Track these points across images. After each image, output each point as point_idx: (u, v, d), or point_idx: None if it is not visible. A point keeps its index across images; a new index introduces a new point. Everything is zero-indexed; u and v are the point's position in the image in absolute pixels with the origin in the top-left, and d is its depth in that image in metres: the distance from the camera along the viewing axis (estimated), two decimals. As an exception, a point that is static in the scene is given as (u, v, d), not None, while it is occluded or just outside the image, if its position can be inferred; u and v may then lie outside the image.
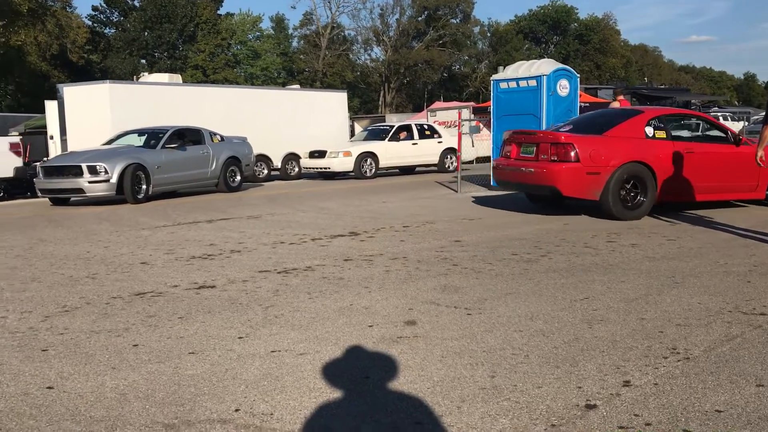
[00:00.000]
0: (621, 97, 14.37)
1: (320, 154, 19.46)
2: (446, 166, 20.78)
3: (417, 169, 21.46)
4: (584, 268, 5.62)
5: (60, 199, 13.31)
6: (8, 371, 3.46)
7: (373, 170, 19.34)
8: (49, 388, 3.22)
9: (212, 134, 15.47)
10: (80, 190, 12.69)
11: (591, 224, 8.24)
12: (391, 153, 19.76)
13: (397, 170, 21.27)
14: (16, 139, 16.24)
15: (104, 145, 14.52)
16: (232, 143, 16.11)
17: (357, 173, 18.98)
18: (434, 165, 20.87)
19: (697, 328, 3.89)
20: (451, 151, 20.57)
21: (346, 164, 18.95)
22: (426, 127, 21.55)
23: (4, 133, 21.66)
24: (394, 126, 20.87)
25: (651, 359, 3.39)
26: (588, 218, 8.73)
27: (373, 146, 19.58)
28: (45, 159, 15.80)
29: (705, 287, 4.87)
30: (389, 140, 19.86)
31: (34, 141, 20.47)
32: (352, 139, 21.63)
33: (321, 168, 19.44)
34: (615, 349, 3.56)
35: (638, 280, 5.16)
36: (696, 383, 3.07)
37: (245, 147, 16.52)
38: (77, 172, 12.69)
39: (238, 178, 15.96)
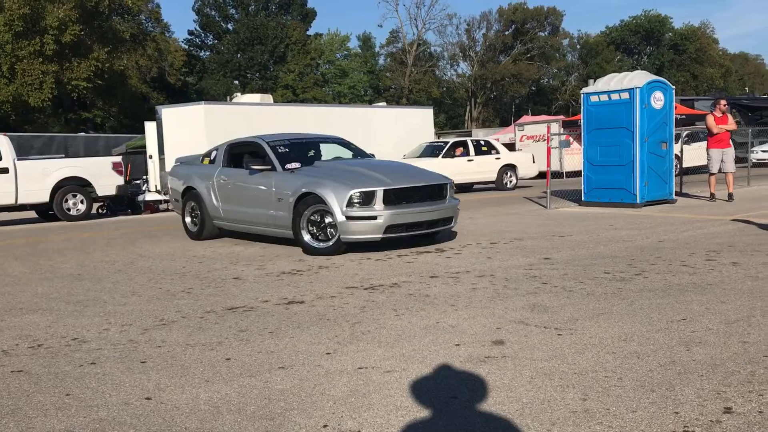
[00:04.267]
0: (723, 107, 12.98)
1: None
2: (504, 183, 20.24)
3: (475, 186, 21.05)
4: (681, 288, 5.40)
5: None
6: (110, 381, 3.63)
7: None
8: (148, 398, 3.35)
9: None
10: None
11: (688, 242, 7.91)
12: (445, 170, 18.93)
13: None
14: (118, 159, 17.11)
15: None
16: None
17: None
18: (492, 182, 20.33)
19: (807, 354, 3.66)
20: (509, 167, 20.26)
21: None
22: (483, 142, 20.98)
23: (107, 154, 22.96)
24: (448, 142, 20.24)
25: (755, 385, 3.21)
26: (685, 235, 8.39)
27: (426, 163, 18.26)
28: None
29: (815, 309, 4.58)
30: (443, 157, 19.23)
31: (134, 160, 21.59)
32: (404, 155, 20.72)
33: None
34: (715, 373, 3.39)
35: (740, 300, 4.90)
36: (806, 413, 2.88)
37: None
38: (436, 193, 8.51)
39: None
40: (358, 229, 7.74)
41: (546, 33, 67.14)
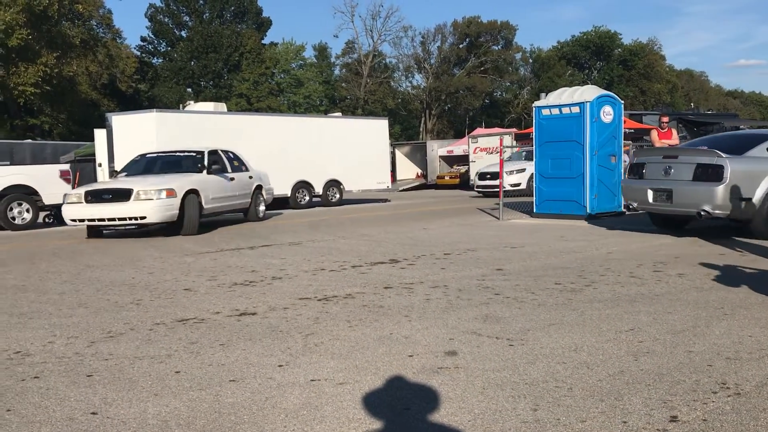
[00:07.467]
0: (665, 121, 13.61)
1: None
2: (257, 213, 15.15)
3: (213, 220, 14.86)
4: (630, 299, 5.51)
5: None
6: (54, 396, 3.52)
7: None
8: (93, 413, 3.26)
9: None
10: None
11: (636, 253, 8.08)
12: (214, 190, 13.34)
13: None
14: (66, 167, 16.70)
15: None
16: None
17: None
18: (244, 210, 14.91)
19: (748, 362, 3.77)
20: (261, 189, 15.44)
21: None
22: (232, 156, 14.86)
23: (55, 161, 22.42)
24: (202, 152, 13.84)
25: (699, 394, 3.29)
26: (633, 247, 8.57)
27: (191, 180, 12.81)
28: None
29: (756, 319, 4.72)
30: (208, 173, 13.26)
31: (83, 168, 21.11)
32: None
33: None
34: (661, 382, 3.47)
35: (686, 311, 5.03)
36: (747, 420, 2.96)
37: None
38: None
39: None
40: None
41: (499, 47, 68.07)
